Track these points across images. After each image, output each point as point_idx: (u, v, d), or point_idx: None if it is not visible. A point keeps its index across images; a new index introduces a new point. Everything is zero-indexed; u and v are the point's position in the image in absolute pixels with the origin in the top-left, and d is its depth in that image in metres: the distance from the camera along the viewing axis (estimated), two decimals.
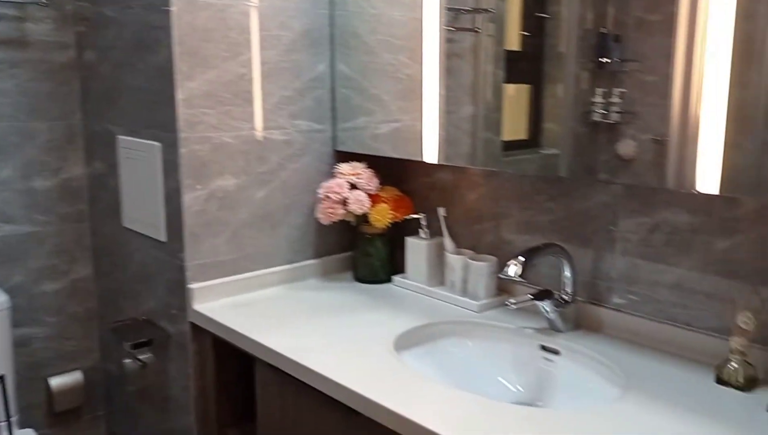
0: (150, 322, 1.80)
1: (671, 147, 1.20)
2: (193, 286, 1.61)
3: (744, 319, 1.20)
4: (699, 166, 1.16)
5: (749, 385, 1.19)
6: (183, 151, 1.56)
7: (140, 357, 1.78)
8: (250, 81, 1.64)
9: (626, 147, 1.29)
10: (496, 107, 1.51)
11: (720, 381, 1.21)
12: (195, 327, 1.63)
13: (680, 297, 1.36)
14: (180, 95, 1.53)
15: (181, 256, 1.61)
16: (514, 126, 1.50)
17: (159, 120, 1.61)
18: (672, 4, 1.15)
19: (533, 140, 1.47)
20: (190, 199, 1.58)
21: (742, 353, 1.20)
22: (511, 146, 1.51)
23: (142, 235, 1.76)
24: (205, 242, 1.62)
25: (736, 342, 1.20)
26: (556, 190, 1.54)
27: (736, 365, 1.20)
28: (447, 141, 1.58)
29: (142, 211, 1.75)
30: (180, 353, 1.68)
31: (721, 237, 1.28)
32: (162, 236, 1.67)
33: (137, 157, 1.72)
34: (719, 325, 1.30)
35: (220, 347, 1.61)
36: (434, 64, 1.57)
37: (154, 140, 1.64)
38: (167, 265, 1.67)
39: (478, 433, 1.04)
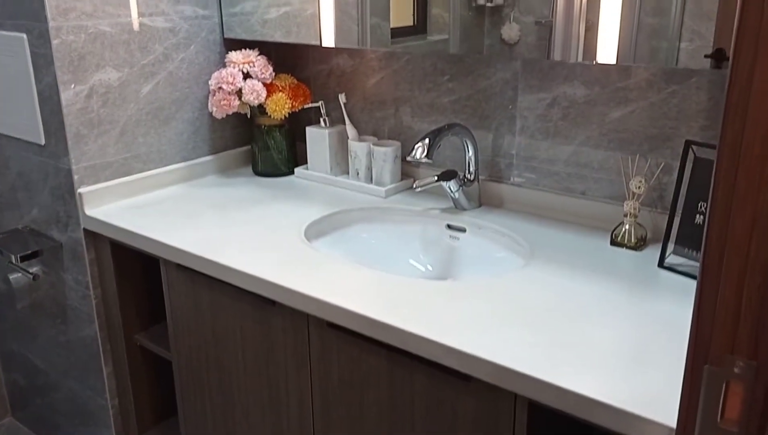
0: (36, 232, 1.68)
1: (556, 30, 1.22)
2: (83, 190, 1.50)
3: (636, 184, 1.27)
4: (588, 41, 1.19)
5: (640, 244, 1.28)
6: (56, 42, 1.40)
7: (29, 270, 1.68)
8: None
9: (510, 31, 1.30)
10: None
11: (614, 243, 1.30)
12: (89, 233, 1.54)
13: (577, 168, 1.42)
14: None
15: (66, 159, 1.49)
16: (401, 11, 1.47)
17: (24, 8, 1.43)
18: None
19: (421, 26, 1.45)
20: (69, 96, 1.45)
21: (634, 216, 1.28)
22: (399, 33, 1.48)
23: (16, 138, 1.61)
24: (92, 142, 1.51)
25: (629, 206, 1.28)
26: (456, 69, 1.53)
27: (628, 227, 1.29)
28: (338, 27, 1.52)
29: (13, 114, 1.58)
30: (75, 262, 1.59)
31: (615, 107, 1.34)
32: (40, 139, 1.53)
33: (0, 53, 1.54)
34: (614, 192, 1.38)
35: (120, 252, 1.54)
36: None
37: (18, 31, 1.46)
38: (50, 169, 1.54)
39: (392, 308, 1.07)
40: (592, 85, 1.35)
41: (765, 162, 0.51)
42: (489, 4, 1.31)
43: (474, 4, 1.34)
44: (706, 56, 1.10)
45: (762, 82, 0.50)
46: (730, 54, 0.51)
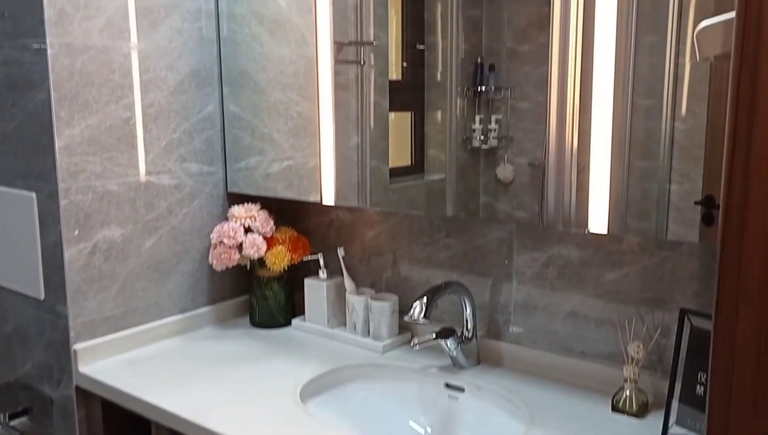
0: (28, 386, 1.65)
1: (549, 171, 1.27)
2: (79, 346, 1.49)
3: (635, 348, 1.27)
4: (580, 204, 1.23)
5: (642, 411, 1.26)
6: (64, 202, 1.45)
7: (15, 425, 1.63)
8: (134, 125, 1.56)
9: (504, 171, 1.35)
10: (383, 135, 1.54)
11: (616, 409, 1.27)
12: (81, 391, 1.51)
13: (575, 328, 1.42)
14: (59, 143, 1.43)
15: (64, 314, 1.49)
16: (400, 153, 1.53)
17: (35, 169, 1.49)
18: (541, 35, 1.22)
19: (418, 166, 1.51)
20: (72, 253, 1.47)
21: (634, 381, 1.27)
22: (398, 172, 1.54)
23: (16, 292, 1.62)
24: (91, 298, 1.52)
25: (628, 371, 1.27)
26: (453, 226, 1.57)
27: (629, 393, 1.27)
28: (339, 174, 1.58)
29: (15, 267, 1.60)
30: (65, 421, 1.55)
31: (610, 270, 1.36)
32: (40, 294, 1.54)
33: (8, 209, 1.58)
34: (612, 351, 1.37)
35: (112, 411, 1.50)
36: (327, 99, 1.57)
37: (28, 190, 1.51)
38: (47, 324, 1.54)
39: None
40: (585, 247, 1.38)
41: (760, 345, 0.51)
42: (484, 146, 1.37)
43: (469, 146, 1.39)
44: (695, 203, 1.12)
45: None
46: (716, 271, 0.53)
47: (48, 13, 1.38)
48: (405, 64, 1.51)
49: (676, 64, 1.12)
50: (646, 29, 1.14)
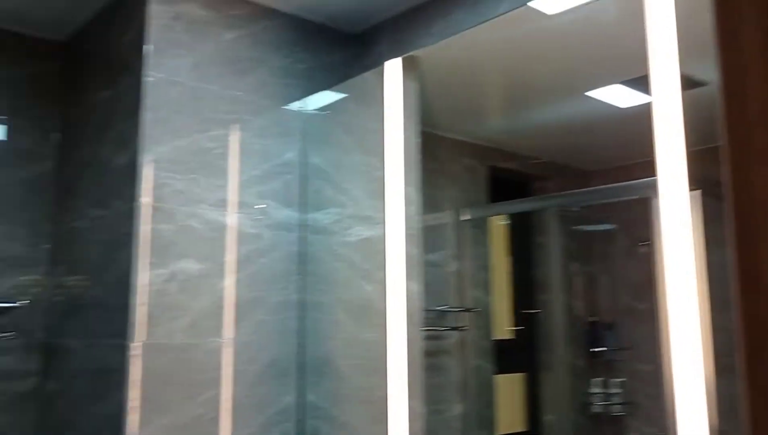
0: None
1: None
2: None
3: None
4: None
5: None
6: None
7: None
8: (211, 422, 1.43)
9: None
10: (488, 401, 1.37)
11: None
12: None
13: None
14: None
15: None
16: (511, 418, 1.36)
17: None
18: (657, 290, 1.11)
19: (534, 432, 1.33)
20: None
21: None
22: None
23: None
24: None
25: None
26: None
27: None
28: None
29: None
30: None
31: None
32: None
33: None
34: None
35: None
36: (405, 378, 1.42)
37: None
38: None
39: None
40: None
41: None
42: (606, 412, 1.18)
43: (589, 412, 1.21)
44: None
45: None
46: None
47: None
48: (514, 324, 1.41)
49: None
50: None
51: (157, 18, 1.47)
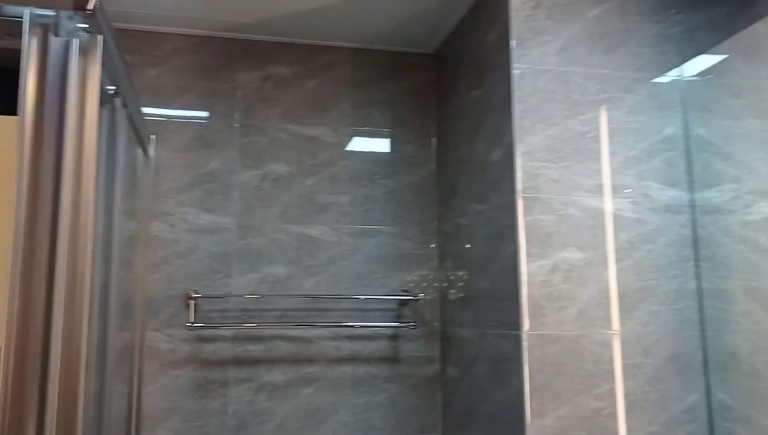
0: None
1: None
2: None
3: None
4: None
5: None
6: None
7: None
8: (609, 416, 1.37)
9: None
10: None
11: None
12: None
13: None
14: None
15: None
16: None
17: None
18: None
19: None
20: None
21: None
22: None
23: None
24: None
25: None
26: None
27: None
28: None
29: None
30: None
31: None
32: None
33: None
34: None
35: None
36: None
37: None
38: None
39: None
40: None
41: None
42: None
43: None
44: None
45: None
46: None
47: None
48: None
49: None
50: None
51: (517, 11, 1.48)
